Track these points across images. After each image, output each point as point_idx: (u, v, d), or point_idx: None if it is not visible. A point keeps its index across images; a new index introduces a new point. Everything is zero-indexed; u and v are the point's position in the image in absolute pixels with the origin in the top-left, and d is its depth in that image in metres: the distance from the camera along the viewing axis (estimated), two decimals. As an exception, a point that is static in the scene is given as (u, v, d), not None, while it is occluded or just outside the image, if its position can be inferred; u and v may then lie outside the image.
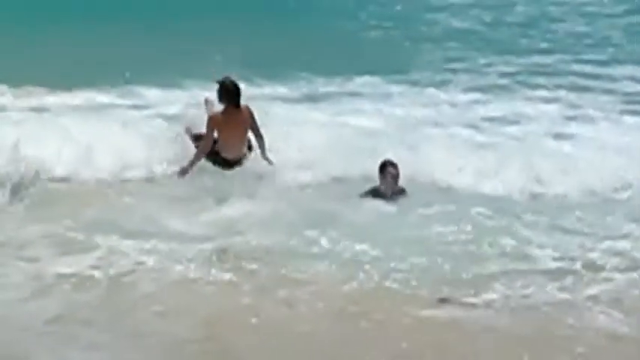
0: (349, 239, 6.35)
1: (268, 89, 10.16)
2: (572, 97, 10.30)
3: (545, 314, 5.40)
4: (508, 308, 5.46)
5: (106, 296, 5.53)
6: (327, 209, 7.09)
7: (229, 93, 7.43)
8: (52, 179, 7.59)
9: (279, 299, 5.52)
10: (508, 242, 6.42)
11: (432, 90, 10.46)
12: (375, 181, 7.49)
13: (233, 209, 7.10)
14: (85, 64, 10.43)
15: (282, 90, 10.27)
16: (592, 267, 6.03)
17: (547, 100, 10.23)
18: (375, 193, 7.41)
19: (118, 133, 8.33)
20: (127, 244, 6.18)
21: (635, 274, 5.92)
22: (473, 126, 9.38)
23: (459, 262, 6.05)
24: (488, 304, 5.48)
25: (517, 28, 13.31)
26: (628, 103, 10.15)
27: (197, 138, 7.77)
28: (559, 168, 8.07)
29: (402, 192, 7.49)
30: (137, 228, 6.53)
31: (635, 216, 7.08)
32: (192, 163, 7.47)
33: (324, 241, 6.32)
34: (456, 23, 13.50)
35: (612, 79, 10.97)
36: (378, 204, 7.26)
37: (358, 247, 6.24)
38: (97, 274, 5.78)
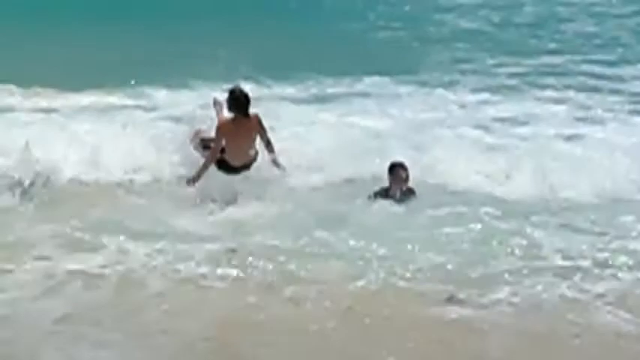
0: (357, 239, 6.35)
1: (277, 90, 10.17)
2: (582, 97, 10.26)
3: (553, 313, 5.40)
4: (515, 307, 5.45)
5: (115, 295, 5.56)
6: (336, 210, 7.09)
7: (239, 102, 7.45)
8: (61, 180, 7.62)
9: (287, 298, 5.53)
10: (517, 242, 6.40)
11: (440, 91, 10.43)
12: (384, 181, 7.48)
13: (241, 210, 7.12)
14: (93, 65, 10.47)
15: (290, 90, 10.27)
16: (600, 266, 6.02)
17: (556, 101, 10.20)
18: (384, 193, 7.40)
19: (126, 134, 8.36)
20: (136, 244, 6.20)
21: (643, 274, 5.90)
22: (482, 127, 9.35)
23: (466, 261, 6.04)
24: (495, 303, 5.47)
25: (526, 28, 13.26)
26: (637, 103, 10.10)
27: (205, 144, 7.74)
28: (569, 169, 8.03)
29: (411, 193, 7.47)
30: (145, 228, 6.55)
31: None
32: (201, 172, 7.48)
33: (332, 241, 6.33)
34: (465, 24, 13.46)
35: (621, 79, 10.93)
36: (387, 205, 7.24)
37: (366, 246, 6.24)
38: (105, 273, 5.81)
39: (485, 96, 10.33)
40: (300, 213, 6.93)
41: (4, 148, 7.86)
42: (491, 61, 11.61)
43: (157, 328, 5.15)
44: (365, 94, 10.33)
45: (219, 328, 5.22)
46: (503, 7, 14.10)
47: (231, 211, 7.10)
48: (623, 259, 6.13)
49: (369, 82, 10.63)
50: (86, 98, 9.77)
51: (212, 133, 7.61)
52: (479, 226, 6.68)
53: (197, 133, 7.89)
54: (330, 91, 10.39)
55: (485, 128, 9.31)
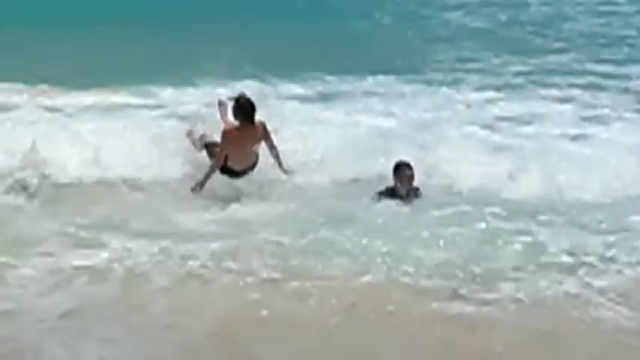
0: (361, 236, 6.34)
1: (282, 88, 10.15)
2: (588, 96, 10.23)
3: (557, 309, 5.39)
4: (519, 303, 5.44)
5: (119, 291, 5.57)
6: (340, 208, 7.09)
7: (244, 110, 7.47)
8: (66, 178, 7.63)
9: (291, 294, 5.53)
10: (521, 239, 6.39)
11: (446, 90, 10.42)
12: (389, 180, 7.47)
13: (245, 207, 7.14)
14: (99, 63, 10.49)
15: (295, 89, 10.26)
16: (605, 263, 6.00)
17: (562, 100, 10.17)
18: (389, 193, 7.38)
19: (130, 132, 8.37)
20: (140, 241, 6.21)
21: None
22: (488, 126, 9.32)
23: (470, 258, 6.03)
24: (499, 299, 5.47)
25: (531, 27, 13.25)
26: (643, 102, 10.09)
27: (210, 150, 7.73)
28: (575, 168, 8.00)
29: (416, 192, 7.46)
30: (150, 225, 6.58)
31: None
32: (206, 178, 7.49)
33: (336, 238, 6.32)
34: (470, 22, 13.46)
35: (628, 78, 10.90)
36: (392, 204, 7.23)
37: (370, 243, 6.22)
38: (109, 269, 5.82)
39: (490, 95, 10.31)
40: (304, 211, 6.94)
41: (9, 147, 7.89)
42: (496, 60, 11.59)
43: (161, 324, 5.16)
44: (370, 93, 10.31)
45: (223, 323, 5.21)
46: (508, 6, 14.11)
47: (235, 209, 7.11)
48: (627, 256, 6.12)
49: (374, 81, 10.62)
50: (91, 97, 9.77)
51: (216, 137, 7.63)
52: (483, 224, 6.66)
53: (202, 137, 7.88)
54: (335, 89, 10.38)
55: (491, 127, 9.29)
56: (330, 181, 7.79)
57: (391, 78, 10.67)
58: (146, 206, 7.15)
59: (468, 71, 11.17)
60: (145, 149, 8.03)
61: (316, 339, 5.02)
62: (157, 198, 7.36)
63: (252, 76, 9.95)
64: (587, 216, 7.01)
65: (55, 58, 10.69)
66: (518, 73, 11.10)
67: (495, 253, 6.17)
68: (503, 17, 13.62)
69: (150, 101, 9.76)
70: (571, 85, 10.61)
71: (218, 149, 7.54)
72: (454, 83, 10.66)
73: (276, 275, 5.77)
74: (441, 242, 6.29)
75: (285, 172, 7.68)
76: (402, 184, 7.38)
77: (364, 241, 6.26)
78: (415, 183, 7.44)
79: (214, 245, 6.18)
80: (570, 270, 5.89)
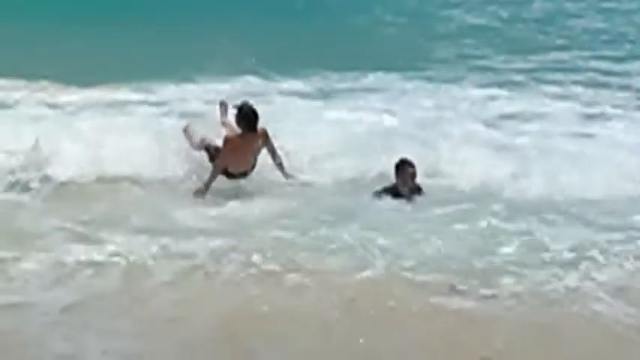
0: (361, 232, 6.35)
1: (283, 85, 10.18)
2: (590, 93, 10.25)
3: (557, 304, 5.38)
4: (519, 298, 5.43)
5: (121, 285, 5.58)
6: (341, 206, 7.10)
7: (247, 118, 7.49)
8: (68, 175, 7.64)
9: (291, 289, 5.53)
10: (521, 235, 6.39)
11: (447, 87, 10.43)
12: (391, 178, 7.46)
13: (246, 204, 7.17)
14: (100, 60, 10.53)
15: (296, 86, 10.28)
16: (606, 259, 5.99)
17: (564, 97, 10.18)
18: (391, 191, 7.38)
19: (132, 129, 8.38)
20: (141, 237, 6.22)
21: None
22: (489, 124, 9.33)
23: (470, 253, 6.03)
24: (499, 294, 5.47)
25: (534, 24, 13.27)
26: (645, 99, 10.09)
27: (210, 151, 7.72)
28: (576, 166, 8.00)
29: (418, 190, 7.45)
30: (151, 221, 6.60)
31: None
32: (208, 184, 7.51)
33: (336, 234, 6.33)
34: (472, 19, 13.47)
35: (630, 75, 10.92)
36: (394, 202, 7.24)
37: (370, 239, 6.23)
38: (112, 264, 5.83)
39: (492, 92, 10.32)
40: (305, 207, 6.96)
41: (11, 143, 7.91)
42: (498, 58, 11.61)
43: (163, 318, 5.18)
44: (371, 90, 10.33)
45: (224, 318, 5.22)
46: (511, 3, 14.12)
47: (236, 206, 7.14)
48: (628, 251, 6.11)
49: (375, 78, 10.64)
50: (92, 93, 9.81)
51: (217, 141, 7.63)
52: (484, 221, 6.66)
53: (202, 140, 7.88)
54: (336, 86, 10.40)
55: (493, 125, 9.30)
56: (331, 178, 7.80)
57: (393, 75, 10.69)
58: (147, 202, 7.18)
59: (470, 68, 11.18)
60: (146, 146, 8.03)
61: (316, 334, 5.02)
62: (158, 194, 7.38)
63: (254, 73, 9.97)
64: (590, 214, 7.01)
65: (57, 54, 10.73)
66: (521, 71, 11.12)
67: (496, 249, 6.17)
68: (505, 14, 13.62)
69: (151, 98, 9.79)
70: (573, 83, 10.63)
71: (219, 156, 7.54)
72: (456, 80, 10.67)
73: (276, 270, 5.77)
74: (441, 237, 6.29)
75: (288, 176, 7.69)
76: (404, 182, 7.37)
77: (364, 237, 6.26)
78: (417, 181, 7.43)
79: (215, 241, 6.19)
80: (571, 265, 5.88)
